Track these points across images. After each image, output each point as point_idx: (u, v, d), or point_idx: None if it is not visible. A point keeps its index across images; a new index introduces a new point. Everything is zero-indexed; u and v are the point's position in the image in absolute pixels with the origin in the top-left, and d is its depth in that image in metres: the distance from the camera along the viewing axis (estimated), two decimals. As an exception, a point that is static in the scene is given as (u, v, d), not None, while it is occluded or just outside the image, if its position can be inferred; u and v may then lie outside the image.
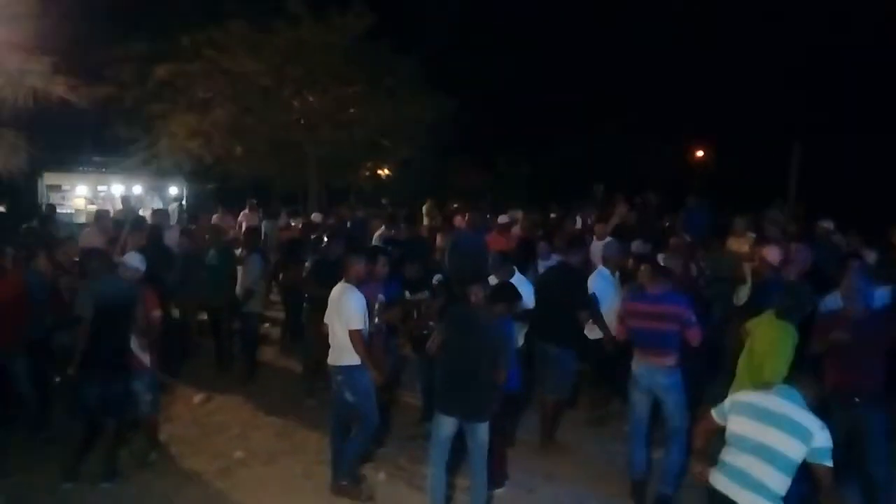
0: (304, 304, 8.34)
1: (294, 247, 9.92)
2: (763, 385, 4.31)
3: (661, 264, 6.38)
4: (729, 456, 3.86)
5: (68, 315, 7.11)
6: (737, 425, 3.87)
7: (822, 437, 3.68)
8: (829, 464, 3.67)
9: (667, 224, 11.90)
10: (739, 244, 9.15)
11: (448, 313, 5.30)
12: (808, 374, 4.13)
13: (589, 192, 13.72)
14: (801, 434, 3.66)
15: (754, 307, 6.00)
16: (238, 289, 8.67)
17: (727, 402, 4.02)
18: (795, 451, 3.66)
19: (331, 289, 5.88)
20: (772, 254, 7.13)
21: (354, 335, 5.54)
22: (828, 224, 9.94)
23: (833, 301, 5.90)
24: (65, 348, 7.88)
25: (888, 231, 9.45)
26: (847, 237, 9.39)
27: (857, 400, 5.15)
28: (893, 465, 5.32)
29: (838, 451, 3.80)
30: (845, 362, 5.18)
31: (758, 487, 3.68)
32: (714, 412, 4.04)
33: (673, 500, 5.65)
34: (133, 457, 6.27)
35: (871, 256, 8.91)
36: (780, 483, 3.67)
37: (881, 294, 6.08)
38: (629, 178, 16.56)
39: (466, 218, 11.61)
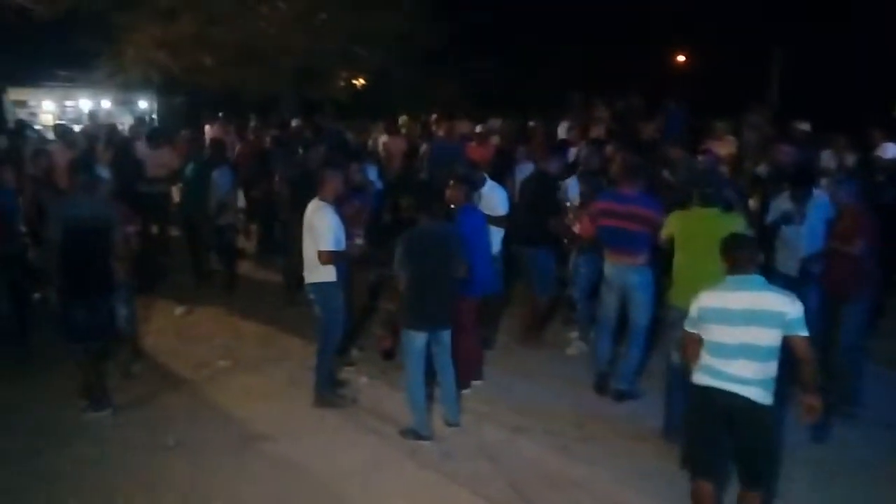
0: (280, 217, 8.34)
1: (262, 158, 9.75)
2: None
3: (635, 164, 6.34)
4: (716, 363, 3.83)
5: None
6: (714, 334, 3.83)
7: (793, 309, 3.70)
8: (805, 333, 3.70)
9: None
10: (719, 147, 9.17)
11: (405, 236, 5.21)
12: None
13: (568, 98, 13.52)
14: (777, 319, 3.69)
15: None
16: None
17: (693, 310, 3.94)
18: (776, 337, 3.71)
19: (307, 200, 5.75)
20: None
21: (323, 255, 5.46)
22: (804, 126, 9.95)
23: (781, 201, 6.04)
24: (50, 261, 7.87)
25: (868, 133, 9.48)
26: (828, 139, 9.40)
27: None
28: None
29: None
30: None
31: (754, 383, 3.73)
32: (687, 326, 4.00)
33: (628, 395, 5.90)
34: (117, 369, 6.30)
35: (849, 159, 9.00)
36: (772, 369, 3.75)
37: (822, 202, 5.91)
38: (609, 84, 16.31)
39: (444, 128, 11.51)
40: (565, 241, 6.80)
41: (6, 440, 5.28)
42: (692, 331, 3.97)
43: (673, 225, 5.20)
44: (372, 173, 8.11)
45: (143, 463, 4.99)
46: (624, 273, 5.77)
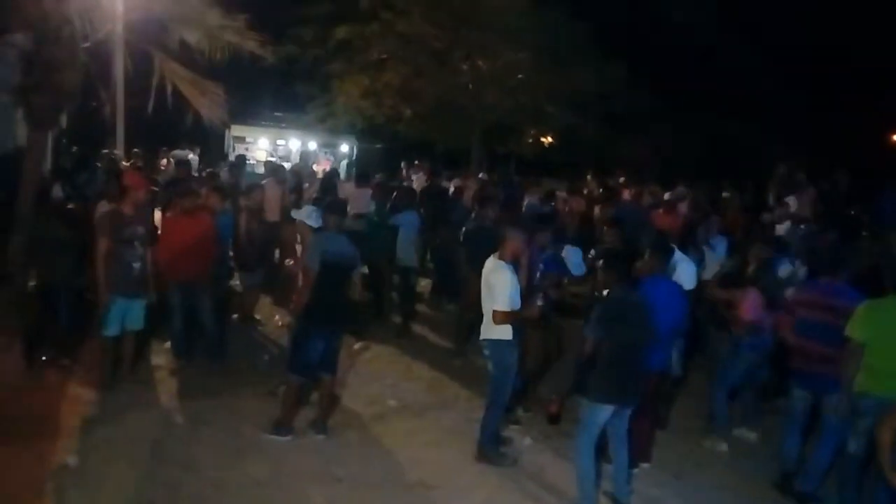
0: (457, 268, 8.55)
1: (443, 208, 10.04)
2: None
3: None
4: None
5: (256, 257, 7.74)
6: None
7: None
8: None
9: (852, 212, 10.94)
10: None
11: (605, 303, 5.09)
12: None
13: (766, 170, 12.84)
14: None
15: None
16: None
17: None
18: None
19: (485, 256, 5.79)
20: None
21: (497, 315, 5.47)
22: None
23: None
24: (253, 287, 8.59)
25: None
26: None
27: None
28: None
29: None
30: None
31: None
32: None
33: (813, 498, 5.38)
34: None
35: None
36: None
37: None
38: (816, 159, 15.30)
39: (632, 191, 11.31)
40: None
41: (195, 448, 5.69)
42: None
43: (864, 315, 4.84)
44: (576, 255, 7.50)
45: (311, 490, 5.19)
46: (817, 368, 5.34)
